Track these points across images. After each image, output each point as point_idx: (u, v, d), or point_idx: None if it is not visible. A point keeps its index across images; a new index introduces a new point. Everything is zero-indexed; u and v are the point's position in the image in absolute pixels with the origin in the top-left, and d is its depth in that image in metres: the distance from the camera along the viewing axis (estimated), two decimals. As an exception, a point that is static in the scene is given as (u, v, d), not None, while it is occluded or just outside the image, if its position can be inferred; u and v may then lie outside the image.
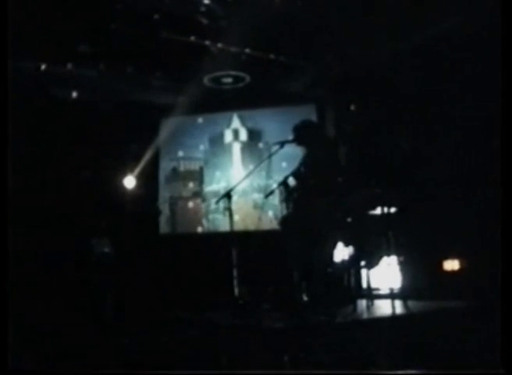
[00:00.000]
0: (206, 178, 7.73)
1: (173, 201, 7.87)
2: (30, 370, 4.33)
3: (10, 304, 3.81)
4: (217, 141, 7.77)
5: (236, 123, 7.78)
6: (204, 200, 7.70)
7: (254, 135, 7.66)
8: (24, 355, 4.37)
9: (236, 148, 7.71)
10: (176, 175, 7.80)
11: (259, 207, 7.50)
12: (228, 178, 7.52)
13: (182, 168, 7.81)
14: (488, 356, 3.72)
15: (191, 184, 7.78)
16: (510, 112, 3.76)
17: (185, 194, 7.83)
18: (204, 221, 7.72)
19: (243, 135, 7.77)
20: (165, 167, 7.91)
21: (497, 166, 3.83)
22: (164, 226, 7.94)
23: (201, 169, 7.79)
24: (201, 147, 7.83)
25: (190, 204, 7.77)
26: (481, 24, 6.26)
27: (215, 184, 7.70)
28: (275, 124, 8.18)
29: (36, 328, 5.27)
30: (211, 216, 7.85)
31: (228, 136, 7.77)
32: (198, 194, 7.77)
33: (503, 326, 3.53)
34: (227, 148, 7.81)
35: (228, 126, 7.80)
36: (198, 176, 7.75)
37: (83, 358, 4.56)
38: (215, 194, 7.43)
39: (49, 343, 4.90)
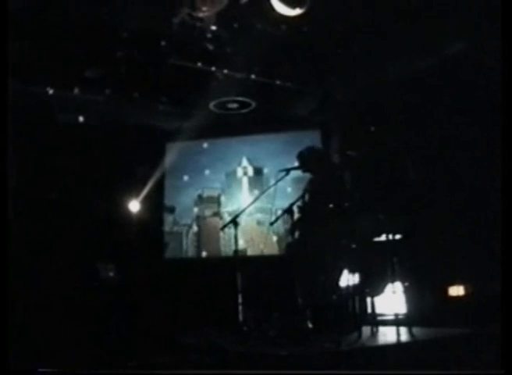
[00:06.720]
0: (223, 202, 9.84)
1: (199, 219, 9.91)
2: (30, 370, 4.31)
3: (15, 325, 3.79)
4: (231, 175, 9.87)
5: (245, 162, 9.86)
6: (221, 218, 9.73)
7: (259, 171, 9.81)
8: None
9: (245, 180, 9.89)
10: (201, 200, 9.91)
11: (265, 233, 8.89)
12: (239, 202, 9.53)
13: (205, 195, 9.91)
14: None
15: (212, 206, 9.91)
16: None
17: (207, 213, 9.91)
18: (221, 234, 9.44)
19: (250, 172, 9.86)
20: (192, 194, 9.96)
21: (501, 193, 3.84)
22: (192, 238, 9.90)
23: (219, 195, 9.87)
24: (219, 179, 10.05)
25: (211, 220, 9.86)
26: (489, 49, 6.29)
27: (230, 206, 9.68)
28: (281, 149, 9.16)
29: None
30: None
31: (239, 172, 9.88)
32: (217, 213, 9.84)
33: (503, 326, 3.52)
34: (238, 181, 9.87)
35: (239, 164, 9.86)
36: (217, 201, 9.88)
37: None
38: (229, 213, 9.47)
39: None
